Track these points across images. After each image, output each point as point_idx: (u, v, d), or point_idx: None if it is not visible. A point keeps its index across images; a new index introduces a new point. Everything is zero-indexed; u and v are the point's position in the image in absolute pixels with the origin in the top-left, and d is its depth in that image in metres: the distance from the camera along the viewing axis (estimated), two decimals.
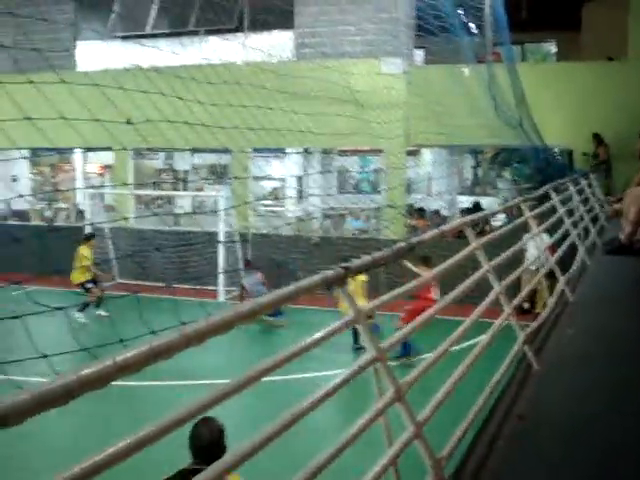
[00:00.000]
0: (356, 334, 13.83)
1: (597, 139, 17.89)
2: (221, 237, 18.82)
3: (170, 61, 15.98)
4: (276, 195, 25.11)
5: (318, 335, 2.51)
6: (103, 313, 16.23)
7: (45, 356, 2.37)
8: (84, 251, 17.11)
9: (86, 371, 1.59)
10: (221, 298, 18.57)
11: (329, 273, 2.66)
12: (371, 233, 20.90)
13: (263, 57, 17.87)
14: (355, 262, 2.90)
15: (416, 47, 20.97)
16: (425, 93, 17.67)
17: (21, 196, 16.03)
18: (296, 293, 2.42)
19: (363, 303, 4.17)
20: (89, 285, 16.91)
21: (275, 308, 2.43)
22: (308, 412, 2.27)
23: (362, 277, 13.47)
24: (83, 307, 16.25)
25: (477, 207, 19.60)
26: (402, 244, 3.46)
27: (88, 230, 19.33)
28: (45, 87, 6.15)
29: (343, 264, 2.80)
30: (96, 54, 22.13)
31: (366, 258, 3.03)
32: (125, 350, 1.71)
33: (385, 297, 3.26)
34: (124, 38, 22.51)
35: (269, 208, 24.23)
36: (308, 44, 19.65)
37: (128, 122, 5.31)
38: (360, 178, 25.50)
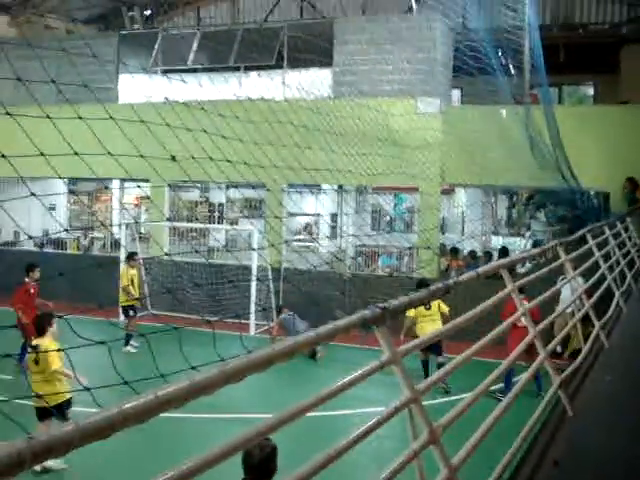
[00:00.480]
0: (426, 367, 13.62)
1: (632, 183, 17.72)
2: (254, 271, 18.86)
3: (210, 95, 16.17)
4: (310, 230, 25.12)
5: (356, 374, 2.51)
6: (132, 350, 16.13)
7: (88, 389, 2.40)
8: (124, 271, 17.35)
9: (128, 405, 1.61)
10: (252, 332, 18.54)
11: (367, 313, 2.66)
12: (403, 271, 20.78)
13: (301, 94, 18.00)
14: (392, 302, 2.91)
15: (453, 87, 21.01)
16: (461, 133, 17.68)
17: (72, 228, 16.09)
18: (334, 332, 2.42)
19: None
20: (131, 312, 16.96)
21: (312, 346, 2.44)
22: (344, 453, 2.27)
23: (442, 305, 13.48)
24: (127, 341, 16.23)
25: (505, 252, 19.16)
26: (439, 285, 3.46)
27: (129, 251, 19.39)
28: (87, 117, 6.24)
29: (380, 304, 2.80)
30: (137, 87, 22.50)
31: (403, 298, 3.03)
32: (166, 385, 1.72)
33: (428, 336, 3.25)
34: (165, 72, 22.86)
35: (302, 243, 24.22)
36: (346, 82, 19.80)
37: (173, 159, 5.38)
38: (394, 216, 25.47)
